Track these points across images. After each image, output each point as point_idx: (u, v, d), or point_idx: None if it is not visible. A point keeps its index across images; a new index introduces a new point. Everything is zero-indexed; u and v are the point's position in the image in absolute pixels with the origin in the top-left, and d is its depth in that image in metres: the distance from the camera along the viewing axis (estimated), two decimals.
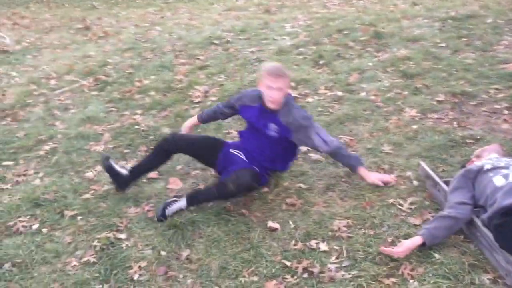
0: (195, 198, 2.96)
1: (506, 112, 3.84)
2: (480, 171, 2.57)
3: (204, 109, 3.87)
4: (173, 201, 2.94)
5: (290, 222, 2.79)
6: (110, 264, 2.57)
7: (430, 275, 2.28)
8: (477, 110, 3.94)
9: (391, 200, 2.87)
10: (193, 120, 3.48)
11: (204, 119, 3.48)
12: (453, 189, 2.57)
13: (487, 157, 2.80)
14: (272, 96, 2.93)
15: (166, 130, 4.05)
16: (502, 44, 5.26)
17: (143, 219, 2.94)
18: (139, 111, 4.47)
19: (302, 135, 3.00)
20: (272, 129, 3.02)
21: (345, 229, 2.68)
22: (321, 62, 5.28)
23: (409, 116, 3.93)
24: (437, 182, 2.81)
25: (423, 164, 3.05)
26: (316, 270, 2.39)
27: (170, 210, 2.91)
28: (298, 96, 4.49)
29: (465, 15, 6.27)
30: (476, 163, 2.69)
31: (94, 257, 2.63)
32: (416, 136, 3.61)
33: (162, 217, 2.88)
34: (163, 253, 2.62)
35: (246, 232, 2.74)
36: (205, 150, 3.19)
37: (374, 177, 3.03)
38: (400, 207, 2.81)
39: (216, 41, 6.32)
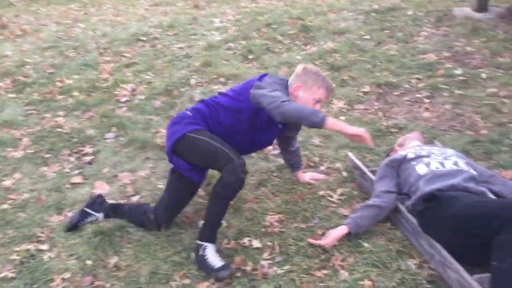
0: (114, 213, 2.79)
1: (426, 101, 4.01)
2: (403, 160, 2.65)
3: None
4: (89, 215, 2.79)
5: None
6: (30, 278, 2.40)
7: (360, 264, 2.32)
8: (400, 100, 4.07)
9: (321, 192, 2.89)
10: None
11: None
12: (378, 178, 2.63)
13: (410, 145, 2.89)
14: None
15: (91, 132, 3.86)
16: (422, 35, 5.49)
17: None
18: (61, 113, 4.24)
19: (294, 129, 2.89)
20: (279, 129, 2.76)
21: (277, 224, 2.67)
22: (250, 56, 5.26)
23: (337, 108, 4.00)
24: (364, 172, 2.87)
25: (350, 155, 3.11)
26: (248, 268, 2.36)
27: (85, 222, 2.78)
28: None
29: (387, 8, 6.48)
30: (400, 152, 2.77)
31: (13, 272, 2.45)
32: None
33: (72, 229, 2.75)
34: (88, 262, 2.49)
35: (177, 234, 2.66)
36: None
37: (307, 177, 3.05)
38: (330, 198, 2.84)
39: (143, 38, 6.13)
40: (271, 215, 2.74)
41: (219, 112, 2.58)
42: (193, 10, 7.63)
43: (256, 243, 2.53)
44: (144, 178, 3.24)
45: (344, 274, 2.26)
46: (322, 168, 3.18)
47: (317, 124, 2.25)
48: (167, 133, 2.63)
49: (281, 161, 3.28)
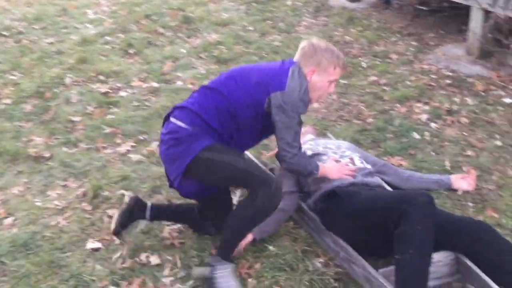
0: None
1: None
2: None
3: None
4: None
5: (115, 238, 2.48)
6: None
7: (267, 269, 2.23)
8: None
9: None
10: None
11: None
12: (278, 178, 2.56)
13: (304, 139, 2.86)
14: (331, 91, 2.35)
15: None
16: (302, 25, 5.58)
17: None
18: None
19: None
20: None
21: (177, 235, 2.49)
22: (131, 51, 4.92)
23: None
24: None
25: (247, 153, 3.00)
26: None
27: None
28: (109, 90, 4.09)
29: None
30: None
31: None
32: None
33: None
34: None
35: (62, 259, 2.34)
36: None
37: None
38: None
39: (4, 32, 5.43)
40: (169, 225, 2.55)
41: (232, 113, 2.19)
42: (61, 1, 6.96)
43: (155, 259, 2.33)
44: (17, 196, 2.84)
45: (252, 282, 2.16)
46: None
47: (313, 175, 2.32)
48: (165, 157, 2.25)
49: None
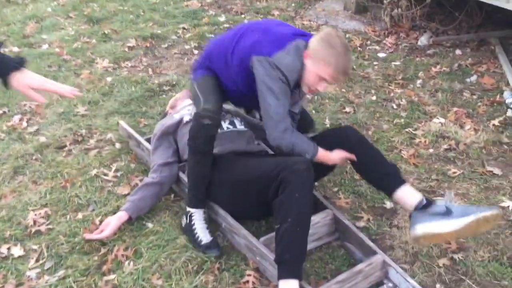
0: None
1: (195, 52, 3.87)
2: (180, 124, 2.46)
3: None
4: None
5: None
6: None
7: (145, 248, 2.09)
8: (170, 53, 3.85)
9: (93, 172, 2.53)
10: None
11: None
12: (154, 149, 2.40)
13: (182, 105, 2.71)
14: (322, 90, 2.13)
15: None
16: None
17: None
18: None
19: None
20: None
21: (43, 220, 2.24)
22: None
23: (102, 68, 3.58)
24: (139, 142, 2.60)
25: (122, 123, 2.79)
26: (11, 286, 1.92)
27: None
28: None
29: None
30: (174, 116, 2.56)
31: None
32: (112, 90, 3.31)
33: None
34: None
35: None
36: None
37: None
38: (105, 177, 2.51)
39: None
40: (34, 210, 2.29)
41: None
42: None
43: (17, 251, 2.08)
44: None
45: (129, 266, 2.01)
46: (91, 141, 2.79)
47: (308, 158, 2.06)
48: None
49: (41, 139, 2.78)
